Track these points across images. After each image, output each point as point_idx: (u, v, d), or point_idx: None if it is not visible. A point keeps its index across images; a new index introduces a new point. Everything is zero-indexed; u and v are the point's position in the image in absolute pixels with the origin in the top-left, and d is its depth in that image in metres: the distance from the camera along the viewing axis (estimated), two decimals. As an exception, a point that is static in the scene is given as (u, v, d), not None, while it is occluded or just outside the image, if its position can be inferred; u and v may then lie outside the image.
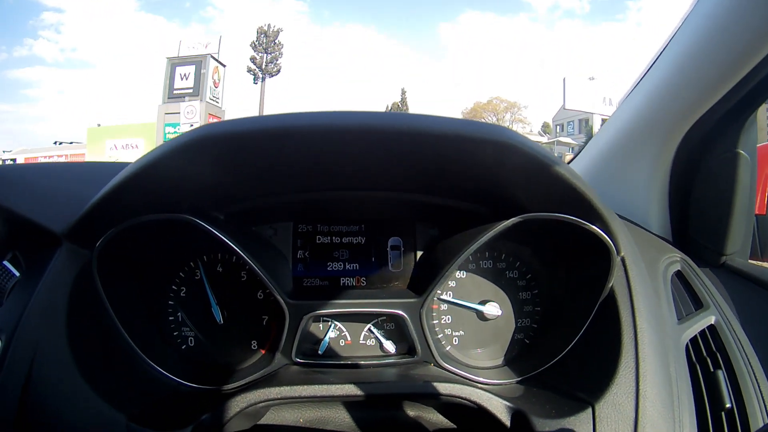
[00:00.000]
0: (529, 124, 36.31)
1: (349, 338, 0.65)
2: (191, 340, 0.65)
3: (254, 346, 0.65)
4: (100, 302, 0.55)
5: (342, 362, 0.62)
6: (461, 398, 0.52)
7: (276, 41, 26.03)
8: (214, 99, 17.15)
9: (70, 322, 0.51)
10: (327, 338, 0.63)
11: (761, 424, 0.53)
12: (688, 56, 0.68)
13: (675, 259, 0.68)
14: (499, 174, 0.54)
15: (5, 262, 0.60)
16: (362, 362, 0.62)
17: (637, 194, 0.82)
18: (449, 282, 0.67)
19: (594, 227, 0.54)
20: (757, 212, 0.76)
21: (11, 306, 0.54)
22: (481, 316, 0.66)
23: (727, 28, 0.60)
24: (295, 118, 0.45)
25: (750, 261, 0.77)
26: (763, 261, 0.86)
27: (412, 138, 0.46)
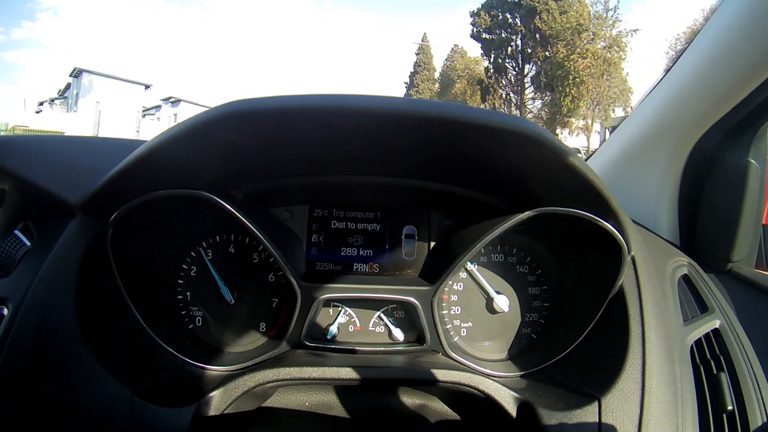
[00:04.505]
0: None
1: (358, 324, 0.65)
2: (199, 319, 0.65)
3: (263, 329, 0.65)
4: (110, 276, 0.54)
5: (350, 347, 0.62)
6: (469, 386, 0.52)
7: None
8: None
9: (79, 294, 0.50)
10: (336, 323, 0.63)
11: None
12: (704, 66, 0.69)
13: (682, 263, 0.69)
14: (518, 166, 0.54)
15: (16, 231, 0.60)
16: (370, 348, 0.62)
17: (648, 199, 0.83)
18: (461, 273, 0.67)
19: (608, 224, 0.54)
20: (764, 222, 0.77)
21: (21, 275, 0.54)
22: (490, 308, 0.66)
23: (742, 40, 0.61)
24: (320, 99, 0.44)
25: (755, 270, 0.78)
26: (769, 270, 0.87)
27: (434, 125, 0.46)
